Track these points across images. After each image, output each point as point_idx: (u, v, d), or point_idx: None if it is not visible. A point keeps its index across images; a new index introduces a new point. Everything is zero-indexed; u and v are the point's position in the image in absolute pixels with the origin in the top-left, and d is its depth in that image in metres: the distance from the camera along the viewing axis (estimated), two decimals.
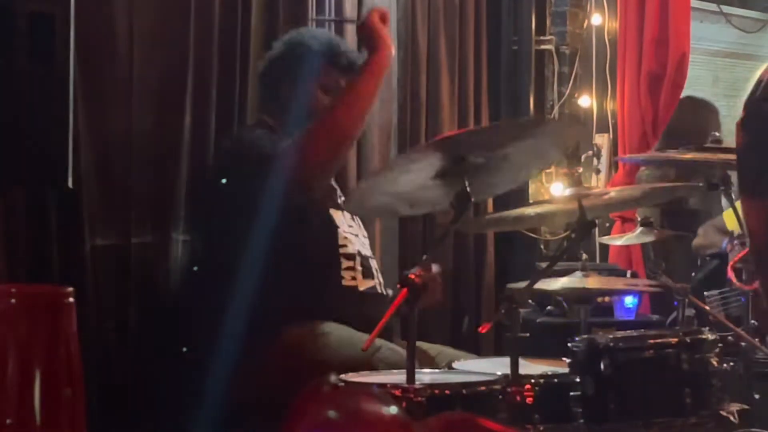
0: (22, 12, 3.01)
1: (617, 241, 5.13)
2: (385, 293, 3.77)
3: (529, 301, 4.85)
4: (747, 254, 4.63)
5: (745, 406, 3.25)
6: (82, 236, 3.60)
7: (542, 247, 5.48)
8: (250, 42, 4.16)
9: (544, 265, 4.67)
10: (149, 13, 3.83)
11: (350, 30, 4.61)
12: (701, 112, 6.14)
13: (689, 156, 3.92)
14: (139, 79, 3.79)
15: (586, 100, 5.76)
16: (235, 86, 4.09)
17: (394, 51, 4.74)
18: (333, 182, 3.92)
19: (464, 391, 2.88)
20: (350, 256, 3.71)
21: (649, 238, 4.32)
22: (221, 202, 3.66)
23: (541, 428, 2.95)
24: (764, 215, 2.70)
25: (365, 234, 3.90)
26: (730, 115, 7.01)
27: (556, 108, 5.65)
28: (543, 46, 5.62)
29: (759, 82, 2.73)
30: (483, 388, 2.89)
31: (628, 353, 3.09)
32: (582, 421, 3.01)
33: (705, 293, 4.94)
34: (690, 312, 3.98)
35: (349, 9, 4.61)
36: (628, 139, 5.62)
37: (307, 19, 4.37)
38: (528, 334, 2.92)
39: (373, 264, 3.80)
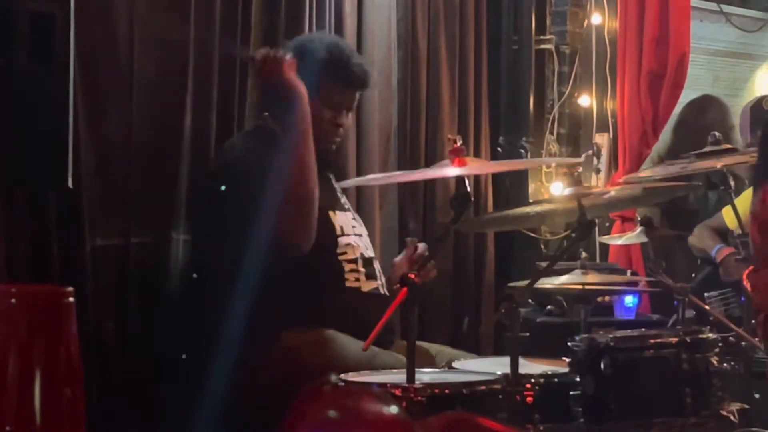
0: (23, 12, 3.01)
1: (617, 240, 5.14)
2: (387, 294, 3.77)
3: (529, 300, 4.85)
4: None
5: (746, 406, 3.26)
6: (83, 236, 3.59)
7: (542, 246, 5.48)
8: (251, 41, 4.15)
9: (544, 264, 4.68)
10: (149, 12, 3.82)
11: (350, 29, 4.61)
12: (707, 109, 6.15)
13: (680, 169, 3.91)
14: (139, 78, 3.78)
15: (586, 100, 5.76)
16: (236, 86, 4.09)
17: (395, 54, 4.76)
18: (335, 183, 3.92)
19: (464, 391, 2.88)
20: (353, 260, 3.71)
21: (648, 238, 4.32)
22: (220, 208, 3.66)
23: (541, 428, 2.95)
24: None
25: (368, 233, 3.90)
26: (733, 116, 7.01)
27: (556, 107, 5.65)
28: (543, 46, 5.62)
29: None
30: (483, 387, 2.89)
31: (629, 353, 3.09)
32: (582, 420, 3.01)
33: (705, 294, 4.94)
34: (691, 314, 3.99)
35: (349, 8, 4.61)
36: (628, 139, 5.63)
37: (306, 20, 4.36)
38: (528, 334, 2.92)
39: (377, 266, 3.80)
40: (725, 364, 3.14)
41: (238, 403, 3.48)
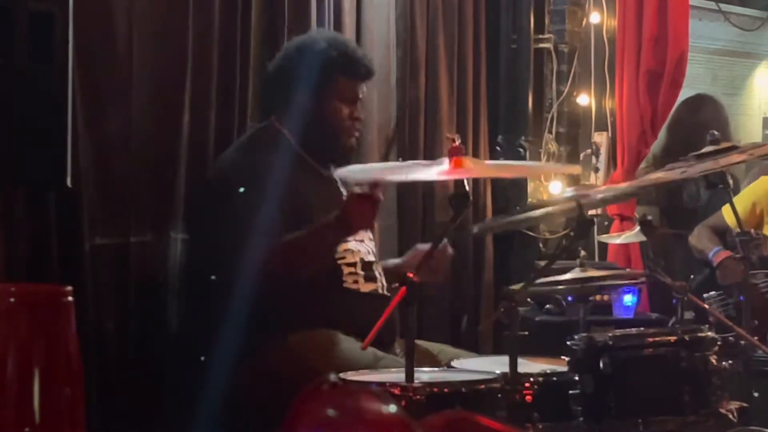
0: (22, 11, 3.01)
1: (616, 239, 5.14)
2: (387, 294, 3.77)
3: (528, 299, 4.86)
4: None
5: (744, 404, 3.26)
6: (82, 235, 3.60)
7: (541, 245, 5.49)
8: (251, 40, 4.16)
9: (543, 263, 4.68)
10: (148, 11, 3.83)
11: (349, 28, 4.61)
12: (702, 107, 6.15)
13: (681, 173, 3.91)
14: (138, 78, 3.79)
15: (584, 99, 5.77)
16: (235, 85, 4.09)
17: (394, 53, 4.77)
18: (341, 187, 3.92)
19: (463, 390, 2.88)
20: (351, 264, 3.71)
21: (647, 237, 4.31)
22: (221, 210, 3.67)
23: (541, 426, 2.95)
24: None
25: (371, 236, 3.88)
26: (728, 114, 7.01)
27: (555, 106, 5.65)
28: (542, 45, 5.62)
29: None
30: (482, 386, 2.89)
31: (627, 351, 3.09)
32: (581, 419, 3.02)
33: (704, 295, 4.94)
34: (690, 315, 3.99)
35: (348, 7, 4.61)
36: (627, 138, 5.62)
37: (308, 18, 4.36)
38: (527, 333, 2.92)
39: (377, 269, 3.80)
40: (724, 363, 3.14)
41: (239, 403, 3.48)
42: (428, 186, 4.94)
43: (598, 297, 4.80)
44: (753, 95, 7.50)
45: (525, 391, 2.87)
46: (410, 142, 4.96)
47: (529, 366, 3.14)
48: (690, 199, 6.06)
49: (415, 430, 2.24)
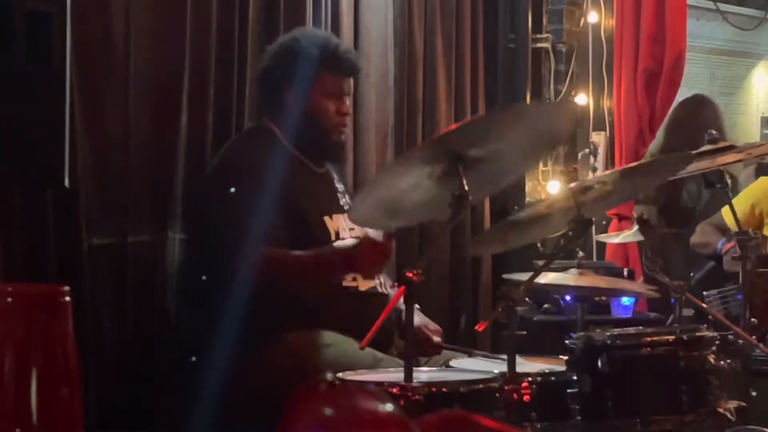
0: (19, 11, 3.01)
1: (614, 239, 5.14)
2: (386, 292, 3.77)
3: (526, 299, 4.85)
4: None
5: (743, 404, 3.25)
6: (79, 235, 3.59)
7: (539, 245, 5.48)
8: (248, 40, 4.15)
9: (541, 262, 4.67)
10: (146, 11, 3.82)
11: (347, 28, 4.61)
12: (702, 108, 6.15)
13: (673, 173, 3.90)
14: (135, 77, 3.78)
15: (582, 98, 5.77)
16: (233, 85, 4.09)
17: (391, 53, 4.77)
18: (337, 184, 3.92)
19: (462, 389, 2.88)
20: None
21: (645, 236, 4.32)
22: (218, 209, 3.67)
23: (539, 426, 2.95)
24: None
25: (365, 233, 3.88)
26: (726, 113, 7.02)
27: None
28: (539, 44, 5.62)
29: None
30: (480, 386, 2.89)
31: (626, 351, 3.09)
32: (579, 418, 3.01)
33: (704, 293, 4.94)
34: (690, 312, 3.99)
35: (345, 7, 4.61)
36: (625, 137, 5.63)
37: (305, 18, 4.36)
38: (525, 332, 2.92)
39: None
40: (722, 362, 3.14)
41: (237, 403, 3.48)
42: None
43: (596, 297, 4.80)
44: (751, 94, 7.50)
45: (523, 391, 2.86)
46: (408, 142, 4.95)
47: (527, 365, 3.14)
48: (690, 198, 6.06)
49: (413, 429, 2.24)
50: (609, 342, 3.07)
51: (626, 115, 5.63)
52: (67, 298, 2.92)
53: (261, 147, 3.73)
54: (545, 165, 5.57)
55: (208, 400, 3.47)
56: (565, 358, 3.12)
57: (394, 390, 2.71)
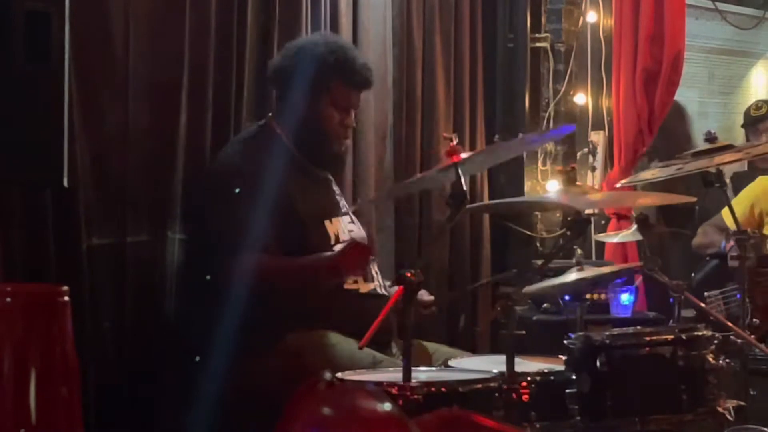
0: (18, 11, 3.00)
1: (613, 238, 5.13)
2: (386, 293, 3.77)
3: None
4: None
5: (742, 403, 3.26)
6: (78, 235, 3.59)
7: (538, 244, 5.49)
8: (247, 39, 4.15)
9: (539, 262, 4.68)
10: (145, 11, 3.82)
11: (345, 28, 4.61)
12: (685, 119, 6.16)
13: (676, 170, 3.91)
14: (134, 77, 3.78)
15: (581, 98, 5.77)
16: (232, 84, 4.09)
17: (390, 52, 4.77)
18: (334, 186, 3.91)
19: (460, 389, 2.88)
20: None
21: (644, 236, 4.31)
22: (217, 209, 3.67)
23: (538, 425, 2.96)
24: None
25: (363, 236, 3.89)
26: (725, 112, 7.01)
27: (552, 105, 5.65)
28: (538, 44, 5.62)
29: None
30: (479, 385, 2.89)
31: (625, 350, 3.09)
32: (578, 418, 3.02)
33: (705, 293, 4.94)
34: (691, 313, 3.99)
35: (344, 7, 4.61)
36: (624, 137, 5.62)
37: (302, 18, 4.36)
38: (524, 332, 2.92)
39: (374, 267, 3.80)
40: (721, 361, 3.14)
41: (236, 403, 3.48)
42: None
43: (595, 296, 4.80)
44: (749, 94, 7.50)
45: (522, 390, 2.87)
46: (407, 142, 4.95)
47: (526, 365, 3.14)
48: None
49: (412, 429, 2.24)
50: (608, 341, 3.07)
51: (625, 114, 5.63)
52: (66, 298, 2.92)
53: (265, 148, 3.73)
54: (544, 164, 5.57)
55: (208, 399, 3.47)
56: (564, 357, 3.13)
57: (393, 390, 2.71)
